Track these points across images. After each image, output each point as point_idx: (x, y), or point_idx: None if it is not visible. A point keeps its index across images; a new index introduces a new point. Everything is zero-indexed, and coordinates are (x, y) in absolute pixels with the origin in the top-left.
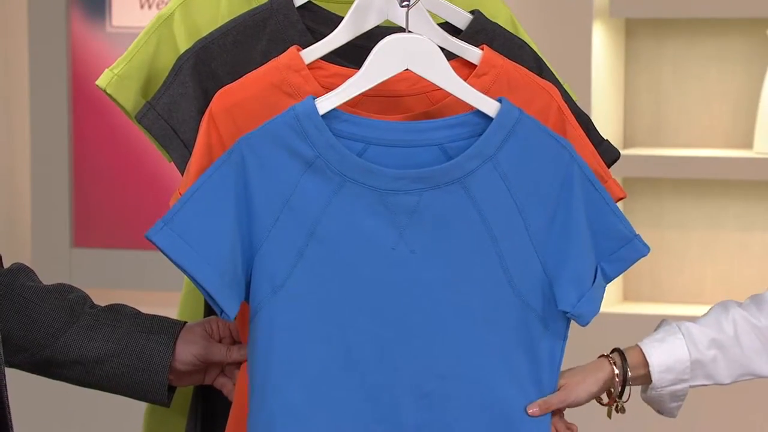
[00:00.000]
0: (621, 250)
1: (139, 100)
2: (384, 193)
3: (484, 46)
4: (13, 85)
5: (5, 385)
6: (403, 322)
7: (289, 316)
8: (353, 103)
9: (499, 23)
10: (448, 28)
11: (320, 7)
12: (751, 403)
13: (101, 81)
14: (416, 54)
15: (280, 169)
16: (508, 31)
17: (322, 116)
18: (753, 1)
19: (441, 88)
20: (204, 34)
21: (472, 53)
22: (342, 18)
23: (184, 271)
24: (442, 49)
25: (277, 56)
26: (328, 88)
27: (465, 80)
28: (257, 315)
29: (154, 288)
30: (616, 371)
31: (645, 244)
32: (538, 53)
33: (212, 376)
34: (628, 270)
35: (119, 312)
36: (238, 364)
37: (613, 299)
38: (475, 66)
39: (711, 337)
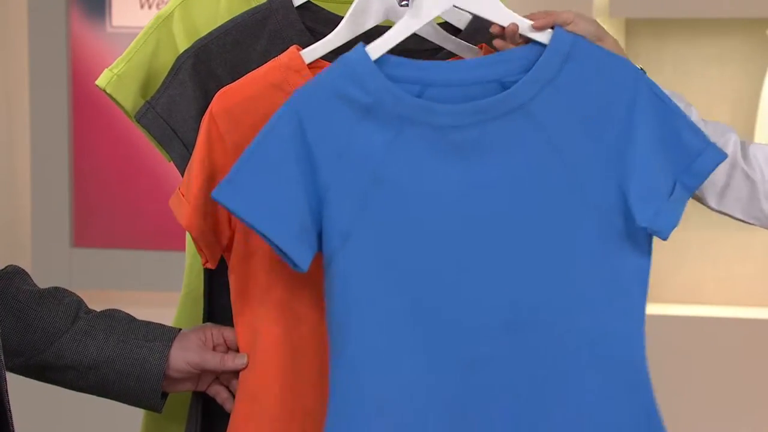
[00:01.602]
0: (695, 162)
1: (139, 99)
2: (445, 130)
3: (483, 45)
4: (13, 85)
5: (6, 389)
6: (478, 256)
7: (361, 264)
8: None
9: None
10: (448, 27)
11: (319, 6)
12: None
13: (101, 81)
14: None
15: (337, 118)
16: None
17: (375, 62)
18: (753, 1)
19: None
20: (203, 33)
21: (471, 52)
22: (341, 18)
23: (253, 227)
24: (441, 48)
25: (276, 56)
26: None
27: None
28: (330, 266)
29: (153, 288)
30: None
31: (719, 152)
32: None
33: (205, 383)
34: None
35: (113, 318)
36: (233, 373)
37: None
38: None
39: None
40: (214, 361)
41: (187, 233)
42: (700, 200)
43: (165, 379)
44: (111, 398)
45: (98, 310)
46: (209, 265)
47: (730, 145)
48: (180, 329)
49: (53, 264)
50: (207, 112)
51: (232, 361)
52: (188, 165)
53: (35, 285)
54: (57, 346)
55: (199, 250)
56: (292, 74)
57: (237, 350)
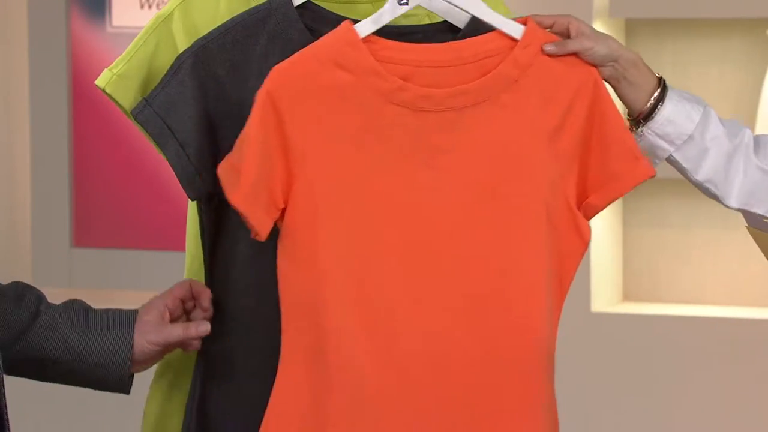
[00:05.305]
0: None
1: (138, 99)
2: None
3: (528, 18)
4: (13, 85)
5: (3, 393)
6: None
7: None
8: (404, 76)
9: None
10: (447, 27)
11: (319, 6)
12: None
13: (100, 80)
14: None
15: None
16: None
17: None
18: (753, 1)
19: (490, 56)
20: (203, 33)
21: (515, 28)
22: (341, 17)
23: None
24: (485, 23)
25: (276, 56)
26: (383, 61)
27: (510, 52)
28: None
29: (153, 288)
30: (656, 94)
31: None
32: None
33: (172, 347)
34: (628, 270)
35: (72, 310)
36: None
37: (613, 299)
38: (517, 40)
39: (718, 135)
40: (178, 333)
41: (187, 232)
42: (717, 199)
43: (132, 364)
44: (78, 386)
45: (58, 304)
46: (259, 238)
47: (746, 143)
48: (137, 311)
49: (53, 264)
50: (262, 89)
51: (196, 329)
52: (239, 140)
53: None
54: (22, 342)
55: (249, 224)
56: (347, 47)
57: (208, 296)
